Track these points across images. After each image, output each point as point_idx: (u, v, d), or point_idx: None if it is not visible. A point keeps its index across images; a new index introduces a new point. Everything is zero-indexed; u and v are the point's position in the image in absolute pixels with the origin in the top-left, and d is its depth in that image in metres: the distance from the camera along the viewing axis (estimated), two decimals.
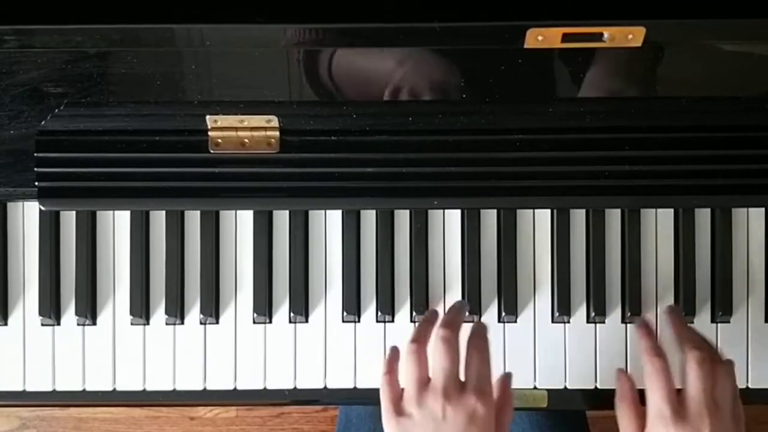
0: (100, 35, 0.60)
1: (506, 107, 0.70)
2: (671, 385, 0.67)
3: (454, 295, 0.78)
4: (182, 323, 0.78)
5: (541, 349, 0.78)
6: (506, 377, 0.74)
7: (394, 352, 0.72)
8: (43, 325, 0.78)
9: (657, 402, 0.67)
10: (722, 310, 0.77)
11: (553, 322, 0.78)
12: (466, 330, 0.71)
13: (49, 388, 0.78)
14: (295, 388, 0.78)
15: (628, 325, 0.78)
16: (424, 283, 0.77)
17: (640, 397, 0.71)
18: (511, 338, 0.78)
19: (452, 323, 0.69)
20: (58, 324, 0.78)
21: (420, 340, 0.68)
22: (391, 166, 0.71)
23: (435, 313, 0.74)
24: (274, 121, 0.70)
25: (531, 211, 0.78)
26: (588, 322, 0.78)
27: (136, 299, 0.77)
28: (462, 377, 0.67)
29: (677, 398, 0.67)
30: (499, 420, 0.68)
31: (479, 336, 0.70)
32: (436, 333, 0.68)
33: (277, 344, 0.78)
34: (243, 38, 0.62)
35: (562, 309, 0.77)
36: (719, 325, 0.78)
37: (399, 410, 0.66)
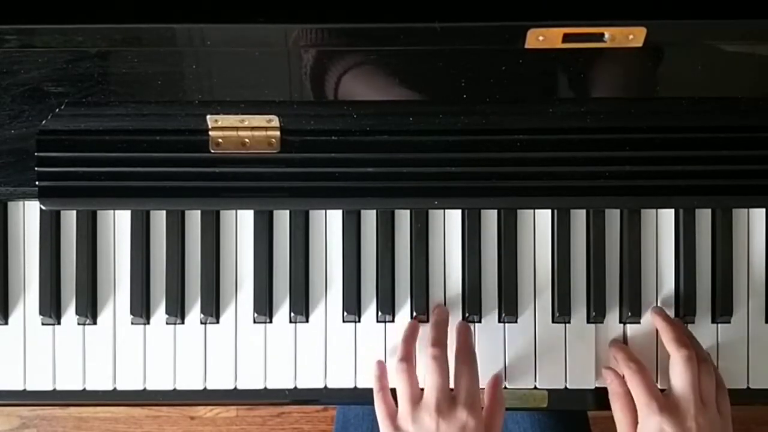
0: (101, 35, 0.60)
1: (507, 107, 0.70)
2: (650, 380, 0.72)
3: (454, 295, 0.78)
4: (183, 323, 0.78)
5: (541, 349, 0.78)
6: (496, 380, 0.76)
7: (381, 369, 0.75)
8: (43, 324, 0.78)
9: (642, 396, 0.71)
10: (722, 310, 0.77)
11: (553, 322, 0.78)
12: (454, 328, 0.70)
13: (50, 388, 0.78)
14: (295, 387, 0.78)
15: (629, 325, 0.78)
16: (425, 283, 0.77)
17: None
18: (511, 338, 0.78)
19: (439, 340, 0.73)
20: (59, 323, 0.78)
21: (408, 357, 0.73)
22: (391, 166, 0.71)
23: (416, 327, 0.76)
24: (275, 121, 0.70)
25: (531, 211, 0.78)
26: (588, 322, 0.78)
27: (137, 299, 0.77)
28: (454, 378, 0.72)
29: (663, 394, 0.71)
30: (491, 424, 0.72)
31: (466, 350, 0.73)
32: (427, 352, 0.72)
33: (278, 344, 0.78)
34: (243, 38, 0.62)
35: (562, 309, 0.77)
36: (719, 325, 0.78)
37: (395, 426, 0.71)
